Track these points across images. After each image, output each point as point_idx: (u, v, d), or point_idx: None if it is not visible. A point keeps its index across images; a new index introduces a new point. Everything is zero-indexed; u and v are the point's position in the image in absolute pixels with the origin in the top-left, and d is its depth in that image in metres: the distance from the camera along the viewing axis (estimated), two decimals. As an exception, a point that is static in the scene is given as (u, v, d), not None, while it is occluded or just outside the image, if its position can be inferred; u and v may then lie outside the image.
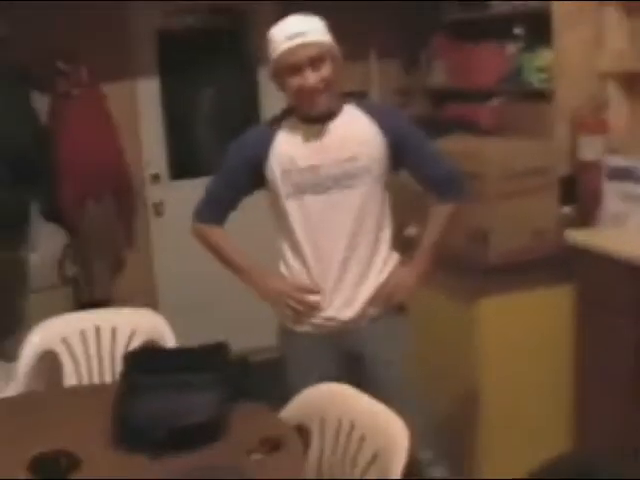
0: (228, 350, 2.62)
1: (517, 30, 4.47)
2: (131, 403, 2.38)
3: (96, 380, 3.27)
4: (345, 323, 2.87)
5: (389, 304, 2.91)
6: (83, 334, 3.37)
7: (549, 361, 3.72)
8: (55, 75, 4.73)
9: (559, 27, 4.04)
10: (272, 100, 5.14)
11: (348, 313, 2.86)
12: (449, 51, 5.18)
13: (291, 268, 2.90)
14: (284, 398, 2.63)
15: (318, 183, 2.77)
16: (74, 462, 2.05)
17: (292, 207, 2.81)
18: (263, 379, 2.64)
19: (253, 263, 2.97)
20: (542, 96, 4.21)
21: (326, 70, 2.68)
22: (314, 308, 2.86)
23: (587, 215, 3.83)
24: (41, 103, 4.72)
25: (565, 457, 3.56)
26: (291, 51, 2.65)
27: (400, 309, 2.98)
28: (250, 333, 4.72)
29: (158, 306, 4.97)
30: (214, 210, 2.96)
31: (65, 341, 3.34)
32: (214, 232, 2.97)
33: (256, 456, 2.24)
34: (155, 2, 5.10)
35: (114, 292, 4.87)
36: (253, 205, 2.98)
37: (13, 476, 2.07)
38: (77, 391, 3.07)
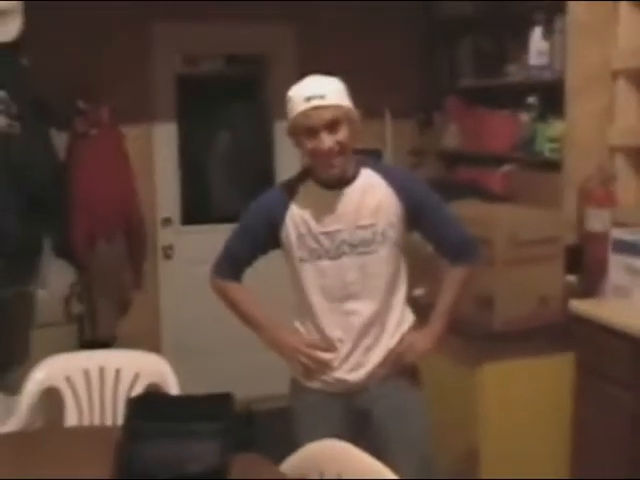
0: (233, 400, 2.64)
1: (531, 99, 4.54)
2: (134, 449, 2.41)
3: (97, 420, 3.29)
4: (354, 385, 2.89)
5: (399, 365, 2.91)
6: (87, 373, 3.38)
7: (548, 426, 3.74)
8: (75, 113, 4.80)
9: (571, 98, 4.12)
10: (287, 148, 5.22)
11: (358, 376, 2.87)
12: (463, 115, 5.26)
13: (305, 326, 2.93)
14: (288, 447, 2.64)
15: (333, 249, 2.79)
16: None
17: (307, 271, 2.84)
18: (267, 427, 2.66)
19: (269, 317, 2.99)
20: (553, 166, 4.27)
21: (342, 134, 2.70)
22: (325, 366, 2.88)
23: (592, 285, 3.87)
24: (59, 140, 4.78)
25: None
26: (308, 113, 2.67)
27: (412, 373, 2.98)
28: (255, 381, 4.74)
29: (161, 349, 5.00)
30: (232, 266, 2.99)
31: (69, 379, 3.36)
32: (232, 287, 3.00)
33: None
34: (176, 48, 5.20)
35: (118, 332, 4.89)
36: (270, 260, 3.01)
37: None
38: (78, 431, 3.09)
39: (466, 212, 3.19)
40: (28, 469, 2.56)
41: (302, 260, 2.84)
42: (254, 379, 4.83)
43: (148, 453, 2.37)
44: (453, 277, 2.95)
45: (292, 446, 2.64)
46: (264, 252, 2.95)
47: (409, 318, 2.96)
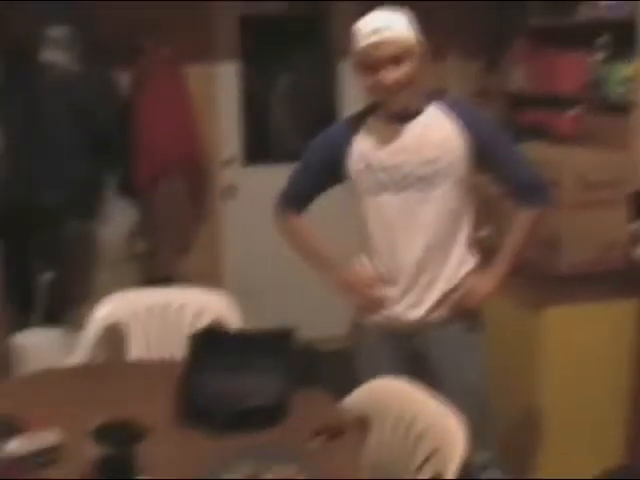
0: (294, 336, 2.65)
1: (602, 39, 4.42)
2: (195, 382, 2.43)
3: (160, 356, 3.32)
4: (411, 324, 2.88)
5: (460, 307, 2.89)
6: (150, 310, 3.42)
7: (610, 372, 3.69)
8: (137, 52, 4.79)
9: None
10: (350, 87, 5.21)
11: (416, 313, 2.86)
12: (531, 55, 5.14)
13: (365, 263, 2.92)
14: (348, 387, 2.63)
15: (396, 182, 2.76)
16: (139, 433, 2.08)
17: (369, 205, 2.82)
18: (329, 368, 2.66)
19: (330, 253, 2.99)
20: (623, 108, 4.17)
21: (407, 67, 2.67)
22: (382, 303, 2.87)
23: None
24: (122, 79, 4.79)
25: (621, 469, 3.55)
26: (374, 45, 2.64)
27: (473, 316, 2.95)
28: (317, 321, 4.75)
29: (223, 288, 5.01)
30: (296, 200, 2.99)
31: (132, 315, 3.40)
32: (295, 222, 3.01)
33: (314, 443, 2.27)
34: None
35: (180, 271, 4.93)
36: (333, 197, 3.00)
37: (77, 444, 2.12)
38: (141, 365, 3.13)
39: (533, 154, 3.12)
40: (91, 401, 2.60)
41: (365, 194, 2.82)
42: (316, 319, 4.84)
43: (210, 387, 2.40)
44: (522, 220, 2.89)
45: (352, 386, 2.64)
46: (328, 187, 2.94)
47: (472, 259, 2.92)
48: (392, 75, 2.65)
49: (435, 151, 2.75)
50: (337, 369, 2.62)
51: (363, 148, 2.80)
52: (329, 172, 2.87)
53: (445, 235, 2.82)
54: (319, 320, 4.85)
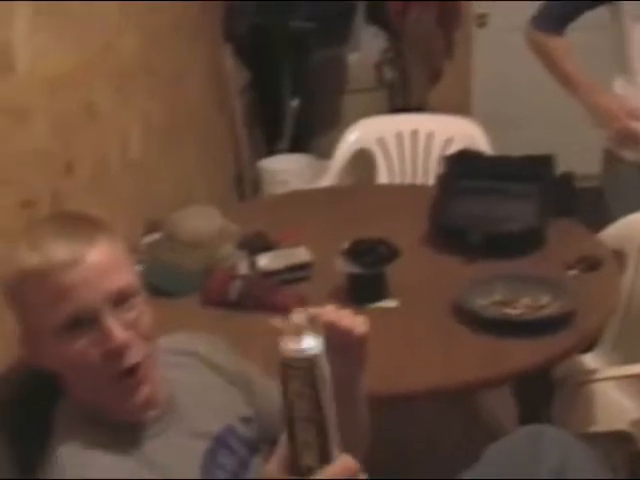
0: (553, 162, 2.51)
1: None
2: (450, 204, 2.37)
3: (408, 182, 3.29)
4: None
5: None
6: (399, 136, 3.37)
7: None
8: None
9: None
10: None
11: None
12: None
13: (625, 91, 2.70)
14: (603, 226, 2.50)
15: None
16: (393, 252, 2.05)
17: (636, 30, 2.57)
18: (583, 205, 2.50)
19: (589, 77, 2.78)
20: None
21: None
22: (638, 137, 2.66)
23: None
24: None
25: None
26: None
27: None
28: (571, 156, 4.53)
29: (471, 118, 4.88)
30: (553, 19, 2.77)
31: (381, 141, 3.37)
32: (552, 41, 2.79)
33: (573, 272, 2.17)
34: None
35: (428, 101, 4.82)
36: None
37: (328, 262, 2.11)
38: (391, 188, 3.10)
39: None
40: (341, 221, 2.60)
41: (630, 17, 2.57)
42: (569, 154, 4.60)
43: (463, 209, 2.33)
44: None
45: (606, 223, 2.51)
46: (590, 7, 2.70)
47: None
48: None
49: None
50: (590, 206, 2.46)
51: None
52: None
53: None
54: (572, 155, 4.61)
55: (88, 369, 1.24)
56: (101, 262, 1.24)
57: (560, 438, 1.59)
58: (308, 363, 0.90)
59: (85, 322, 1.22)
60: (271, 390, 1.49)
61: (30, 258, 1.22)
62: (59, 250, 1.21)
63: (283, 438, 0.96)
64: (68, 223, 1.30)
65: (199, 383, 1.45)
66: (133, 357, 1.25)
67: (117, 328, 1.23)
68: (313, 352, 0.90)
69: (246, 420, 1.44)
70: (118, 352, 1.24)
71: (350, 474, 0.95)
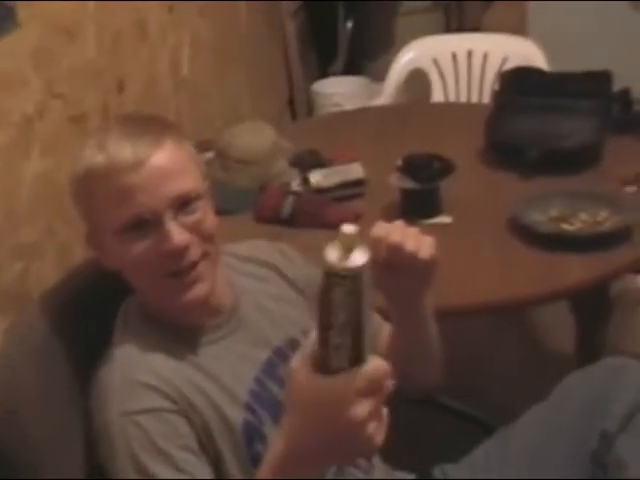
0: (611, 79, 2.44)
1: None
2: (506, 121, 2.33)
3: (464, 101, 3.23)
4: None
5: None
6: (454, 56, 3.31)
7: None
8: None
9: None
10: None
11: None
12: None
13: None
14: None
15: None
16: (447, 167, 2.01)
17: None
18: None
19: None
20: None
21: None
22: None
23: None
24: None
25: None
26: None
27: None
28: (633, 79, 4.41)
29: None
30: None
31: (435, 61, 3.32)
32: None
33: (631, 188, 2.12)
34: None
35: (484, 21, 4.71)
36: None
37: (383, 178, 2.09)
38: (447, 106, 3.05)
39: None
40: (395, 138, 2.57)
41: None
42: (629, 77, 4.48)
43: (519, 126, 2.28)
44: None
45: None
46: None
47: None
48: None
49: None
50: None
51: None
52: None
53: None
54: (634, 77, 4.49)
55: (147, 269, 1.25)
56: (166, 165, 1.24)
57: None
58: (354, 274, 0.90)
59: (146, 224, 1.23)
60: None
61: (96, 158, 1.22)
62: (124, 151, 1.22)
63: (310, 341, 0.96)
64: (136, 125, 1.30)
65: (272, 296, 1.45)
66: (192, 256, 1.26)
67: (177, 231, 1.23)
68: (360, 264, 0.90)
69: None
70: (176, 253, 1.24)
71: (381, 376, 0.94)
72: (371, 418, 0.94)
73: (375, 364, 0.94)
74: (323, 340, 0.93)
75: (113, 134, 1.25)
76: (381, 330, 1.48)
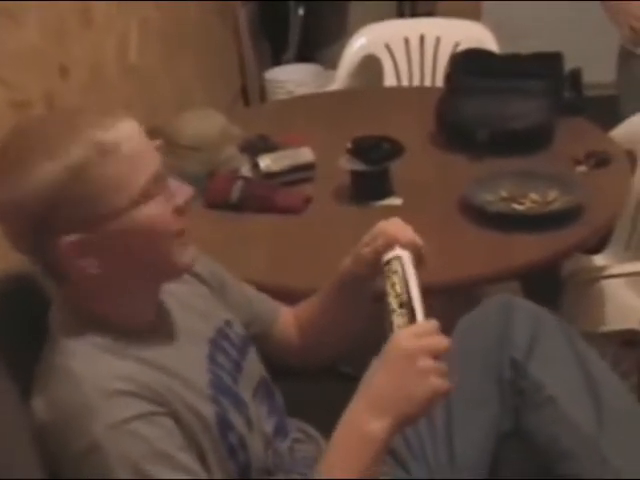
0: (562, 60, 2.45)
1: None
2: (457, 102, 2.32)
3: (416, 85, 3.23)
4: None
5: None
6: (407, 41, 3.31)
7: None
8: None
9: None
10: None
11: None
12: None
13: None
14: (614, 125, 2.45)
15: None
16: (397, 149, 2.00)
17: None
18: (594, 114, 2.43)
19: None
20: None
21: None
22: None
23: None
24: None
25: None
26: None
27: None
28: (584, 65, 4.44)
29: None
30: None
31: (388, 47, 3.31)
32: None
33: (582, 168, 2.12)
34: None
35: (438, 9, 4.70)
36: None
37: (332, 161, 2.07)
38: (398, 90, 3.05)
39: None
40: (345, 122, 2.56)
41: None
42: (580, 62, 4.51)
43: (470, 107, 2.28)
44: None
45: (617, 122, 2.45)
46: None
47: None
48: None
49: None
50: (602, 113, 2.40)
51: None
52: None
53: None
54: (585, 63, 4.51)
55: (162, 227, 1.23)
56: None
57: (530, 307, 1.63)
58: (400, 261, 1.34)
59: (156, 185, 1.22)
60: (244, 291, 1.59)
61: (103, 136, 1.18)
62: (125, 124, 1.21)
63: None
64: (98, 109, 1.29)
65: (191, 293, 1.44)
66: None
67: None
68: (403, 256, 1.35)
69: (228, 323, 1.46)
70: (186, 205, 1.27)
71: (434, 330, 1.17)
72: (434, 371, 1.13)
73: (427, 322, 1.20)
74: (390, 311, 1.25)
75: (93, 117, 1.23)
76: (278, 313, 1.62)
